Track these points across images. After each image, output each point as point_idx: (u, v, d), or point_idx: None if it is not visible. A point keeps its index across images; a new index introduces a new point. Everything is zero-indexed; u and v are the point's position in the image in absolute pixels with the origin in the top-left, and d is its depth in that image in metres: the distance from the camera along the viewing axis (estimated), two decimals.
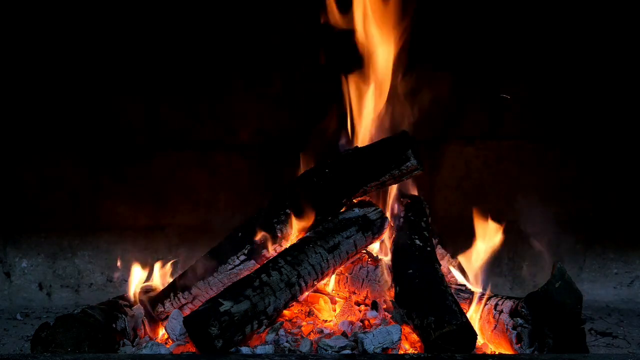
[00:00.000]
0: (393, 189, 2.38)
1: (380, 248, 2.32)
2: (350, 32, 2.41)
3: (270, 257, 2.10)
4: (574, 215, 3.02)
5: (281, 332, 1.95)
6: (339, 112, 2.43)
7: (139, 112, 2.99)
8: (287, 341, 1.92)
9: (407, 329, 1.93)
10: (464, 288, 2.17)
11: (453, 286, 2.15)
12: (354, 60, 2.41)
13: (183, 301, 2.15)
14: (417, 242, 2.15)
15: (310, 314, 2.14)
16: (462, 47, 2.95)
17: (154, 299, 2.17)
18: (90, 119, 2.97)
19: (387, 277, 2.17)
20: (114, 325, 1.97)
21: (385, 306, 2.13)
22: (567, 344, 1.80)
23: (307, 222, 2.16)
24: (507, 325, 1.90)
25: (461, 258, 2.33)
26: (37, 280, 3.03)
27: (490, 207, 2.37)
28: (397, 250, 2.17)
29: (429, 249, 2.15)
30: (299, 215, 2.16)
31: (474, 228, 2.33)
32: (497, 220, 2.30)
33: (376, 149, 2.19)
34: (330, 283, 2.27)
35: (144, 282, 2.26)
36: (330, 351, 1.83)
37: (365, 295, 2.20)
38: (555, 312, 1.81)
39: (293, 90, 2.93)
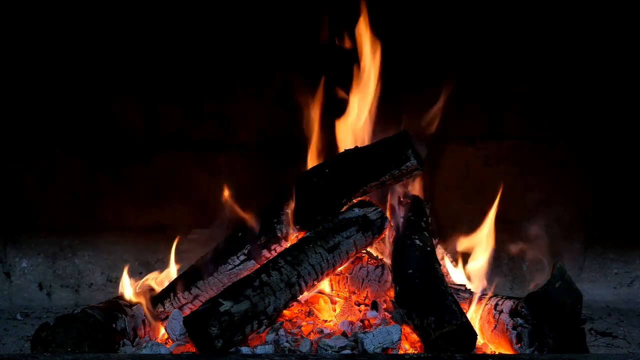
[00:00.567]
0: (393, 189, 2.38)
1: (380, 248, 2.32)
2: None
3: (270, 257, 2.10)
4: (574, 215, 3.02)
5: (281, 332, 1.95)
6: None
7: (139, 112, 2.99)
8: (287, 341, 1.92)
9: (407, 329, 1.93)
10: (464, 288, 2.17)
11: (453, 286, 2.15)
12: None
13: (183, 301, 2.15)
14: (417, 242, 2.15)
15: (310, 314, 2.14)
16: (462, 46, 2.95)
17: (154, 299, 2.17)
18: (90, 118, 2.97)
19: (387, 277, 2.17)
20: (114, 325, 1.97)
21: (385, 306, 2.13)
22: (567, 344, 1.80)
23: (307, 222, 2.16)
24: (507, 325, 1.90)
25: (461, 258, 2.34)
26: (37, 280, 3.03)
27: (490, 207, 2.38)
28: (397, 250, 2.17)
29: (429, 249, 2.15)
30: (299, 215, 2.16)
31: (474, 228, 2.33)
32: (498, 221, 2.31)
33: (376, 149, 2.19)
34: (330, 283, 2.27)
35: (144, 282, 2.26)
36: (330, 351, 1.83)
37: (365, 295, 2.20)
38: (555, 312, 1.81)
39: (293, 90, 2.93)
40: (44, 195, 2.99)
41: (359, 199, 2.24)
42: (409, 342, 1.94)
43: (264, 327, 1.91)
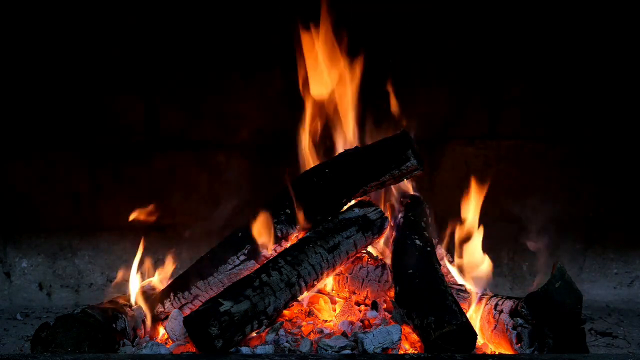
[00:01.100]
0: (393, 189, 2.38)
1: (380, 248, 2.32)
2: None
3: (270, 257, 2.10)
4: (574, 215, 3.02)
5: (281, 332, 1.95)
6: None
7: (139, 111, 2.99)
8: (287, 341, 1.92)
9: (407, 329, 1.93)
10: (464, 288, 2.17)
11: (453, 286, 2.15)
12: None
13: (183, 301, 2.15)
14: (417, 242, 2.15)
15: (310, 314, 2.14)
16: (462, 47, 2.95)
17: (154, 299, 2.17)
18: (90, 118, 2.97)
19: (387, 277, 2.17)
20: (114, 325, 1.97)
21: (385, 306, 2.13)
22: (567, 344, 1.80)
23: (307, 222, 2.16)
24: (507, 325, 1.90)
25: (461, 258, 2.33)
26: (37, 280, 3.03)
27: (490, 207, 2.38)
28: (397, 250, 2.17)
29: (429, 249, 2.15)
30: (299, 215, 2.16)
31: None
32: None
33: (376, 148, 2.19)
34: (330, 283, 2.27)
35: (144, 282, 2.26)
36: (330, 351, 1.83)
37: (365, 295, 2.20)
38: (555, 312, 1.81)
39: (293, 90, 2.93)
40: (44, 195, 2.99)
41: (359, 199, 2.24)
42: (409, 342, 1.94)
43: (264, 327, 1.91)
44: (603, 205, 3.05)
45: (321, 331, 2.01)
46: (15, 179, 2.98)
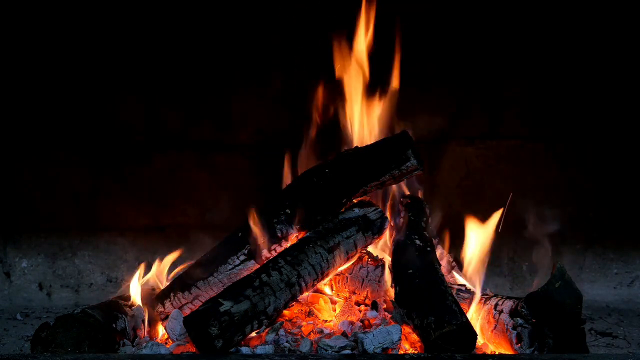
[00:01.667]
0: (393, 189, 2.38)
1: (380, 248, 2.32)
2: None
3: (270, 257, 2.10)
4: (574, 215, 3.02)
5: (281, 332, 1.95)
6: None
7: (139, 112, 2.99)
8: (287, 341, 1.92)
9: (407, 329, 1.93)
10: (464, 288, 2.17)
11: (453, 286, 2.15)
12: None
13: (183, 301, 2.15)
14: (417, 242, 2.15)
15: (310, 314, 2.14)
16: (462, 47, 2.95)
17: (154, 299, 2.17)
18: (90, 119, 2.97)
19: (387, 277, 2.17)
20: (114, 325, 1.97)
21: (385, 306, 2.13)
22: (567, 344, 1.80)
23: (307, 222, 2.16)
24: (507, 325, 1.90)
25: (461, 258, 2.33)
26: (37, 280, 3.03)
27: (490, 207, 2.37)
28: (397, 250, 2.17)
29: (429, 249, 2.15)
30: (299, 215, 2.16)
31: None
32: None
33: (376, 149, 2.19)
34: (330, 283, 2.27)
35: (144, 282, 2.26)
36: (330, 351, 1.83)
37: (365, 295, 2.20)
38: (555, 312, 1.81)
39: (293, 90, 2.93)
40: (44, 195, 2.99)
41: (359, 199, 2.24)
42: (409, 342, 1.94)
43: (264, 327, 1.91)
44: (603, 205, 3.05)
45: (321, 331, 2.01)
46: (16, 179, 2.98)
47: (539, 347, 1.82)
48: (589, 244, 3.08)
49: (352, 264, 2.21)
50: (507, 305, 1.95)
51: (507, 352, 1.90)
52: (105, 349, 1.90)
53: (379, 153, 2.15)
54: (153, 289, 2.23)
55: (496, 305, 1.99)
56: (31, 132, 2.97)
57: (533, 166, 3.03)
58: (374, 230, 2.17)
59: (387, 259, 2.22)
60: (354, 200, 2.22)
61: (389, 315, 2.05)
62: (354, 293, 2.23)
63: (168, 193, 3.01)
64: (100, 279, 3.05)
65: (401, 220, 2.30)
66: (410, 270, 2.02)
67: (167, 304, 2.15)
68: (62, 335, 1.84)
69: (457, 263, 2.35)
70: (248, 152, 3.01)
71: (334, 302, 2.21)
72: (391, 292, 2.12)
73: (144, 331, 2.10)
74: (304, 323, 2.06)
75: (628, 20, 2.93)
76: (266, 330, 1.93)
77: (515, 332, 1.86)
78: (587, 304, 2.40)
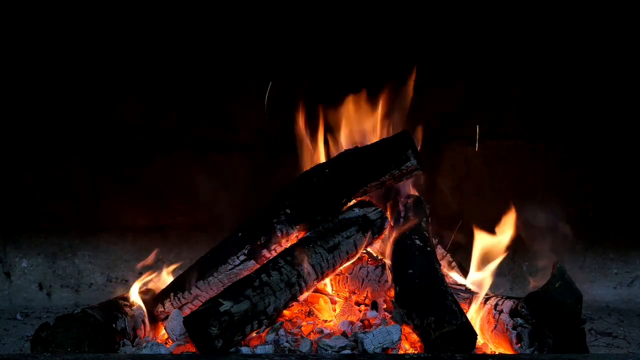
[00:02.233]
0: (393, 189, 2.38)
1: (380, 248, 2.32)
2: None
3: (270, 257, 2.10)
4: (574, 215, 3.01)
5: (281, 332, 1.95)
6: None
7: (139, 112, 2.99)
8: (287, 341, 1.92)
9: (407, 329, 1.93)
10: (464, 288, 2.17)
11: (453, 286, 2.15)
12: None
13: (183, 301, 2.15)
14: (417, 242, 2.15)
15: (310, 314, 2.14)
16: (462, 47, 2.95)
17: (154, 299, 2.17)
18: (90, 119, 2.97)
19: (387, 277, 2.17)
20: (114, 325, 1.97)
21: (385, 306, 2.13)
22: (567, 344, 1.80)
23: (307, 222, 2.16)
24: (507, 325, 1.90)
25: (461, 258, 2.33)
26: (37, 280, 3.03)
27: (490, 207, 2.37)
28: (397, 250, 2.17)
29: (429, 249, 2.15)
30: (299, 215, 2.15)
31: (473, 228, 2.32)
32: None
33: (376, 149, 2.19)
34: (330, 283, 2.27)
35: (142, 281, 2.26)
36: (330, 351, 1.83)
37: (365, 295, 2.20)
38: (555, 312, 1.81)
39: (293, 90, 2.93)
40: (44, 195, 2.99)
41: (359, 199, 2.24)
42: (409, 342, 1.94)
43: (264, 327, 1.91)
44: (603, 205, 3.05)
45: (321, 331, 2.01)
46: (16, 179, 2.98)
47: (539, 347, 1.82)
48: (589, 244, 3.08)
49: (352, 264, 2.21)
50: (507, 305, 1.95)
51: (507, 352, 1.90)
52: (105, 349, 1.90)
53: (379, 153, 2.15)
54: (153, 289, 2.23)
55: (496, 305, 1.99)
56: (31, 132, 2.97)
57: (533, 166, 3.03)
58: (374, 230, 2.17)
59: (387, 259, 2.22)
60: (354, 200, 2.22)
61: (389, 315, 2.05)
62: (354, 293, 2.23)
63: (168, 193, 3.01)
64: (100, 279, 3.05)
65: (401, 220, 2.30)
66: (410, 270, 2.02)
67: (167, 304, 2.15)
68: (62, 335, 1.84)
69: (460, 267, 2.35)
70: (248, 152, 3.01)
71: (334, 302, 2.21)
72: (391, 292, 2.12)
73: (144, 331, 2.10)
74: (304, 323, 2.06)
75: (627, 22, 2.93)
76: (266, 330, 1.93)
77: (515, 332, 1.86)
78: (587, 304, 2.40)
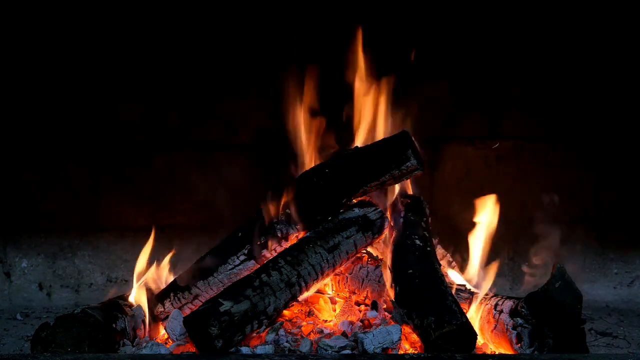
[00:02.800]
0: (393, 189, 2.38)
1: (380, 248, 2.32)
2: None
3: (270, 257, 2.10)
4: (574, 215, 3.02)
5: (281, 332, 1.95)
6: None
7: (139, 112, 2.99)
8: (287, 341, 1.92)
9: (407, 329, 1.93)
10: (464, 288, 2.17)
11: (453, 286, 2.15)
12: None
13: (183, 301, 2.15)
14: (417, 242, 2.15)
15: (310, 314, 2.14)
16: (462, 47, 2.95)
17: (154, 299, 2.17)
18: (90, 119, 2.97)
19: (387, 277, 2.17)
20: (114, 325, 1.97)
21: (385, 306, 2.13)
22: (567, 344, 1.80)
23: (307, 222, 2.16)
24: (507, 325, 1.90)
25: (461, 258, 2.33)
26: (37, 280, 3.03)
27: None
28: (397, 250, 2.17)
29: (429, 249, 2.15)
30: (299, 215, 2.15)
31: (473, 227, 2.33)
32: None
33: (376, 149, 2.19)
34: (330, 283, 2.27)
35: (142, 281, 2.26)
36: (330, 351, 1.83)
37: (365, 295, 2.20)
38: (555, 312, 1.81)
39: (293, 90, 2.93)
40: (44, 195, 2.99)
41: (359, 199, 2.24)
42: (409, 342, 1.94)
43: (264, 327, 1.91)
44: (603, 205, 3.05)
45: (321, 331, 2.01)
46: (16, 179, 2.98)
47: (539, 347, 1.82)
48: (589, 244, 3.08)
49: (352, 264, 2.21)
50: (507, 305, 1.95)
51: (507, 352, 1.90)
52: (105, 349, 1.90)
53: (379, 153, 2.15)
54: (153, 289, 2.23)
55: (496, 305, 1.99)
56: (31, 132, 2.97)
57: (533, 166, 3.03)
58: (374, 230, 2.17)
59: (387, 259, 2.22)
60: (354, 200, 2.22)
61: (389, 315, 2.05)
62: (354, 293, 2.23)
63: (168, 193, 3.01)
64: (100, 279, 3.05)
65: (401, 220, 2.29)
66: (410, 270, 2.02)
67: (167, 304, 2.16)
68: (62, 335, 1.84)
69: (460, 267, 2.35)
70: (248, 152, 3.01)
71: (334, 302, 2.21)
72: (391, 292, 2.12)
73: (144, 331, 2.10)
74: (304, 323, 2.06)
75: (627, 22, 2.93)
76: (266, 330, 1.93)
77: (515, 332, 1.86)
78: (587, 304, 2.40)
